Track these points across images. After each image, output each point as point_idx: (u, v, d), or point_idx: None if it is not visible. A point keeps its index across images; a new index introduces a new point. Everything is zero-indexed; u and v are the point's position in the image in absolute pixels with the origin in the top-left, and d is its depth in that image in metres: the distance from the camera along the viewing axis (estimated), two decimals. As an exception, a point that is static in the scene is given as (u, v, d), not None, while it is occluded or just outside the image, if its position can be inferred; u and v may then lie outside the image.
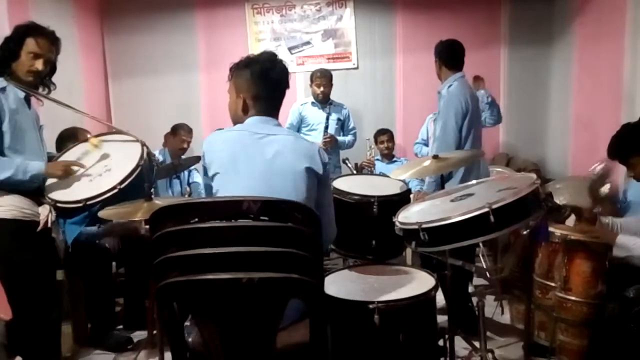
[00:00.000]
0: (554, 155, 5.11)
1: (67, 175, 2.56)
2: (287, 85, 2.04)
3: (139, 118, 5.26)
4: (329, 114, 4.57)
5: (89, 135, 2.92)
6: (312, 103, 4.68)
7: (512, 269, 2.78)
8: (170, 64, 5.36)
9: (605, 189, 2.71)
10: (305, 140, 2.05)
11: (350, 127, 4.81)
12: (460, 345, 2.52)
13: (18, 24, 2.61)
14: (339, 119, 4.70)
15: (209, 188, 1.98)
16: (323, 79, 4.60)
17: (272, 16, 5.37)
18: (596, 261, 2.48)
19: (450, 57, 3.37)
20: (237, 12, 5.33)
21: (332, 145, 4.52)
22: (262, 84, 1.97)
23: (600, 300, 2.47)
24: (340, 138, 4.64)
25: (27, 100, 2.58)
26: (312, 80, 4.66)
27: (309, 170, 1.90)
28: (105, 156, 2.72)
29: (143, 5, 5.31)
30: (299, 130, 4.67)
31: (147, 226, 3.12)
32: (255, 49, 5.34)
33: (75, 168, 2.59)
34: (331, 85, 4.65)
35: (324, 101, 4.63)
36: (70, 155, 2.75)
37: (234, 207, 1.59)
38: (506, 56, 5.23)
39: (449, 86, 3.30)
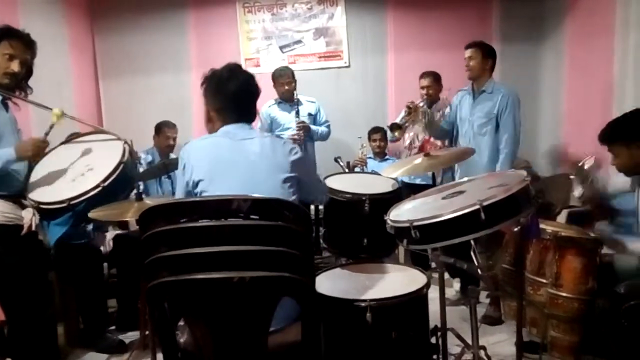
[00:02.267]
0: (545, 152, 5.13)
1: (38, 152, 2.52)
2: (250, 93, 2.10)
3: (130, 118, 5.24)
4: (297, 106, 4.49)
5: (62, 146, 2.84)
6: (279, 103, 4.62)
7: (504, 266, 2.80)
8: (161, 64, 5.34)
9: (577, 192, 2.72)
10: (278, 140, 2.11)
11: (323, 120, 4.76)
12: (453, 342, 2.52)
13: None
14: (309, 114, 4.65)
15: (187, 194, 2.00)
16: (284, 77, 4.53)
17: (263, 15, 5.35)
18: (587, 257, 2.49)
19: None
20: (228, 11, 5.32)
21: (305, 132, 4.45)
22: (220, 96, 2.06)
23: (591, 296, 2.47)
24: (313, 127, 4.58)
25: (4, 104, 2.56)
26: (274, 81, 4.58)
27: (285, 174, 1.96)
28: (87, 152, 2.70)
29: (133, 5, 5.28)
30: (271, 132, 4.59)
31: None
32: (246, 48, 5.35)
33: (44, 144, 2.53)
34: (295, 81, 4.58)
35: (290, 99, 4.57)
36: (54, 156, 2.73)
37: (223, 206, 1.59)
38: (497, 53, 5.21)
39: (494, 86, 3.63)
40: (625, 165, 2.61)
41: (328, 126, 4.77)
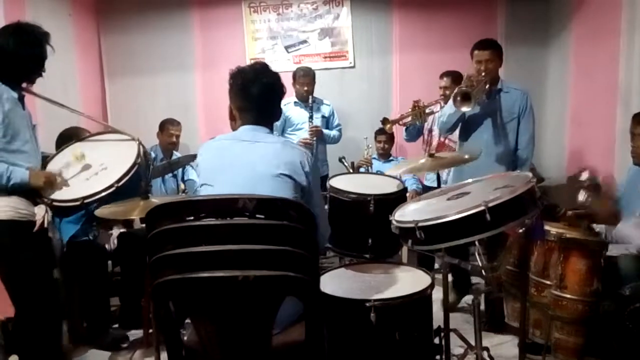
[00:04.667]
0: (550, 154, 5.12)
1: (50, 186, 2.55)
2: (274, 97, 2.09)
3: (134, 117, 5.25)
4: (312, 106, 4.50)
5: (76, 144, 2.87)
6: (295, 103, 4.62)
7: (508, 267, 2.80)
8: (166, 63, 5.35)
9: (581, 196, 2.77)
10: (293, 148, 2.05)
11: (335, 123, 4.79)
12: (456, 343, 2.52)
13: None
14: (323, 116, 4.66)
15: None
16: (307, 77, 4.53)
17: (268, 15, 5.36)
18: (592, 259, 2.49)
19: None
20: (233, 10, 5.32)
21: (318, 136, 4.47)
22: (243, 97, 2.03)
23: (595, 298, 2.47)
24: (325, 131, 4.60)
25: (21, 100, 2.58)
26: (295, 79, 4.57)
27: (289, 177, 1.92)
28: (101, 151, 2.73)
29: (139, 4, 5.29)
30: (283, 130, 4.62)
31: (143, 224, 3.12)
32: (251, 48, 5.35)
33: (58, 179, 2.58)
34: (314, 83, 4.59)
35: (306, 100, 4.55)
36: (61, 158, 2.74)
37: (229, 205, 1.59)
38: (503, 55, 5.22)
39: (505, 84, 3.56)
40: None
41: (340, 130, 4.80)
